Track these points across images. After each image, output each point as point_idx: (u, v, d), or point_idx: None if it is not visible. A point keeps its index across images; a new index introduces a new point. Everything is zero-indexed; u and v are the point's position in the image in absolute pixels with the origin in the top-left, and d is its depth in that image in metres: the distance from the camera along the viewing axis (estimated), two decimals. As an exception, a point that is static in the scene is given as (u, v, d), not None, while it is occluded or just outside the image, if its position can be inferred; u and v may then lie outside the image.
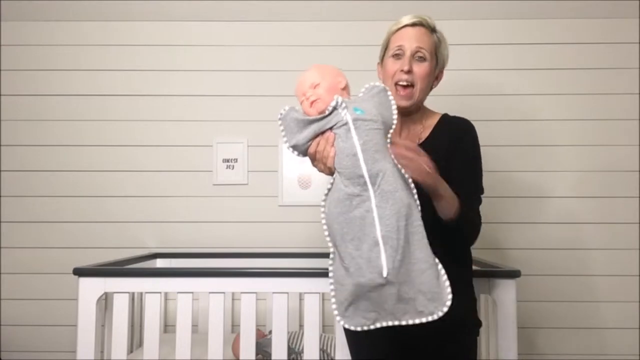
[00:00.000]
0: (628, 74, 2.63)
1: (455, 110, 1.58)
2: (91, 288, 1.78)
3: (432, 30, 1.47)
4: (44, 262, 2.62)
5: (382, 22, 1.59)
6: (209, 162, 2.66)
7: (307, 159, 1.31)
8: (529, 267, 2.50)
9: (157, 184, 2.65)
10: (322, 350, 1.99)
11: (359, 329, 1.20)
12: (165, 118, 2.67)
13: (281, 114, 1.29)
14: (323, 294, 1.77)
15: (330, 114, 1.23)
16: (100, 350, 1.83)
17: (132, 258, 2.29)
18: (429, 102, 1.56)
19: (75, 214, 2.64)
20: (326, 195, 1.23)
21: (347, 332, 1.53)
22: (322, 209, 1.22)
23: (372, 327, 1.20)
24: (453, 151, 1.41)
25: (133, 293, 2.30)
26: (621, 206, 2.59)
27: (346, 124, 1.20)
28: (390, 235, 1.13)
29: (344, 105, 1.22)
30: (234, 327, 2.52)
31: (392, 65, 1.44)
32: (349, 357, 1.57)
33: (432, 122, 1.50)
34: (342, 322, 1.20)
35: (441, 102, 1.64)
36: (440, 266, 1.18)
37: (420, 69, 1.42)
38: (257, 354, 1.84)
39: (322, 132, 1.24)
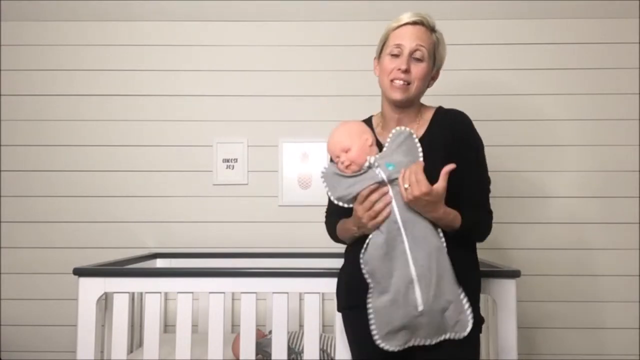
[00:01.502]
0: (628, 74, 2.62)
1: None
2: (91, 288, 1.78)
3: (432, 29, 1.47)
4: (44, 262, 2.62)
5: (382, 22, 1.59)
6: (209, 162, 2.66)
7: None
8: (529, 267, 2.50)
9: (157, 184, 2.65)
10: (322, 350, 1.98)
11: (396, 349, 1.35)
12: (165, 118, 2.67)
13: (323, 172, 1.44)
14: (323, 294, 1.77)
15: (365, 172, 1.37)
16: (100, 350, 1.83)
17: (132, 258, 2.29)
18: (428, 102, 1.56)
19: (75, 214, 2.64)
20: (369, 240, 1.36)
21: (348, 331, 1.53)
22: (363, 251, 1.36)
23: (406, 346, 1.36)
24: (455, 149, 1.41)
25: (133, 293, 2.30)
26: (621, 206, 2.59)
27: (382, 181, 1.34)
28: (423, 274, 1.30)
29: (376, 164, 1.36)
30: (234, 327, 2.52)
31: (390, 62, 1.44)
32: (349, 357, 1.57)
33: (427, 117, 1.50)
34: (381, 344, 1.36)
35: (441, 102, 1.63)
36: (463, 296, 1.34)
37: (417, 69, 1.43)
38: (257, 354, 1.84)
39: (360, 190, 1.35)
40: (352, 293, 1.46)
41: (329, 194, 1.41)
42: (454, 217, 1.38)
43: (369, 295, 1.36)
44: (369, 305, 1.36)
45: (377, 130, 1.54)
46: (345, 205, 1.40)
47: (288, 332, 1.85)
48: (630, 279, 2.56)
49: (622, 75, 2.62)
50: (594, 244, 2.58)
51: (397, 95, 1.43)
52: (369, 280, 1.36)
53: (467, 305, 1.33)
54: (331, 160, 1.49)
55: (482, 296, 1.81)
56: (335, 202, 1.40)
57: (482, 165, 1.50)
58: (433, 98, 1.58)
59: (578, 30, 2.65)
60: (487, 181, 1.51)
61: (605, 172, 2.60)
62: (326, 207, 1.66)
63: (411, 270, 1.30)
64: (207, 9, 2.62)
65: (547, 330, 2.56)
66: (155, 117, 2.67)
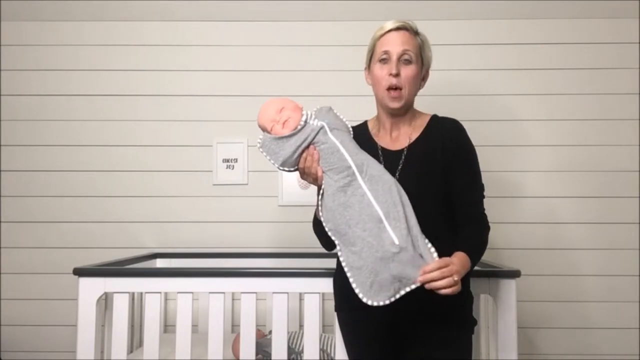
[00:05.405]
0: (628, 74, 2.62)
1: (453, 110, 1.58)
2: (91, 288, 1.78)
3: (416, 33, 1.49)
4: (44, 262, 2.62)
5: (381, 23, 1.59)
6: (209, 162, 2.66)
7: (297, 173, 1.46)
8: (529, 267, 2.51)
9: (157, 184, 2.65)
10: (322, 350, 1.98)
11: (387, 302, 1.26)
12: (165, 118, 2.67)
13: (259, 142, 1.43)
14: (323, 294, 1.77)
15: (303, 127, 1.40)
16: (100, 350, 1.83)
17: (132, 258, 2.29)
18: (428, 103, 1.57)
19: (75, 214, 2.64)
20: (321, 198, 1.38)
21: (343, 331, 1.54)
22: (320, 209, 1.37)
23: (397, 297, 1.26)
24: (450, 155, 1.44)
25: (133, 293, 2.30)
26: (621, 206, 2.58)
27: (322, 127, 1.38)
28: (390, 210, 1.27)
29: (313, 116, 1.42)
30: (234, 327, 2.52)
31: (380, 70, 1.47)
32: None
33: (421, 122, 1.52)
34: (368, 302, 1.27)
35: (440, 102, 1.64)
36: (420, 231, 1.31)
37: (407, 71, 1.45)
38: (257, 354, 1.84)
39: (305, 147, 1.38)
40: (343, 296, 1.47)
41: (272, 162, 1.41)
42: (467, 260, 1.35)
43: (340, 254, 1.33)
44: (343, 265, 1.31)
45: (373, 132, 1.56)
46: (291, 170, 1.42)
47: (288, 332, 1.85)
48: (630, 279, 2.56)
49: (622, 75, 2.62)
50: (594, 244, 2.58)
51: (395, 104, 1.46)
52: (333, 238, 1.34)
53: (426, 240, 1.29)
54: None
55: (482, 296, 1.82)
56: (280, 168, 1.41)
57: (474, 171, 1.49)
58: (430, 98, 1.58)
59: (578, 30, 2.65)
60: (481, 187, 1.49)
61: (605, 172, 2.60)
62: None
63: (376, 209, 1.27)
64: (207, 9, 2.62)
65: (547, 330, 2.56)
66: (155, 117, 2.67)
